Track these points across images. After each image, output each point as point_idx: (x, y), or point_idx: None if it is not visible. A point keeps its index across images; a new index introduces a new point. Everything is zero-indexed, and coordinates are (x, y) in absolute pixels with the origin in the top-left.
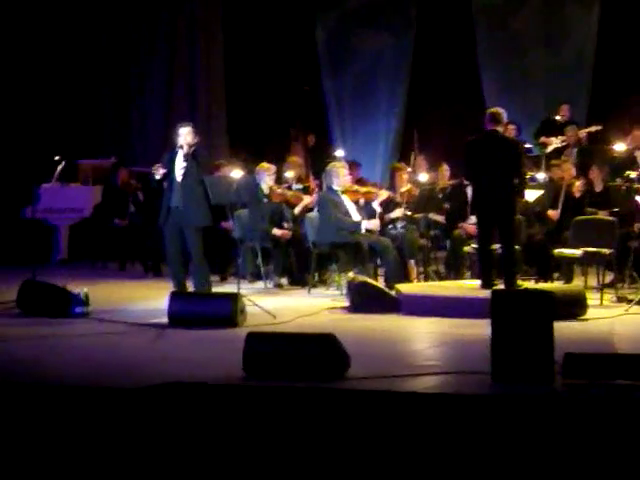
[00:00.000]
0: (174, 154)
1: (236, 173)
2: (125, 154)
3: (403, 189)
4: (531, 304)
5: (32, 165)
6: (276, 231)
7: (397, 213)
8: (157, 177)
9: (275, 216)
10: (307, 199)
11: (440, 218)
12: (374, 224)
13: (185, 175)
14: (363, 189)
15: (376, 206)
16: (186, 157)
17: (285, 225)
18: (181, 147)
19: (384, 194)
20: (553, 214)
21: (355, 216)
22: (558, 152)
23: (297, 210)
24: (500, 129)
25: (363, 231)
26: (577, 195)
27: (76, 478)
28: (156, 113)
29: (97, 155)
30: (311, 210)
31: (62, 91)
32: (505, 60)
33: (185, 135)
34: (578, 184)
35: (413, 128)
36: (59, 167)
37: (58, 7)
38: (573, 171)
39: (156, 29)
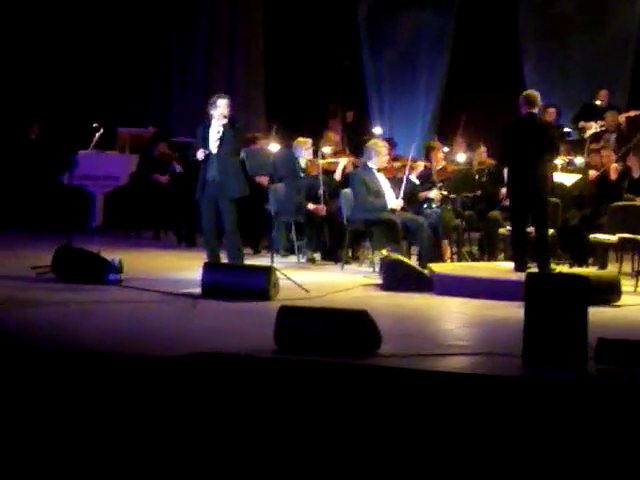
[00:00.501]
0: (207, 126)
1: (273, 147)
2: (164, 125)
3: (438, 167)
4: (566, 288)
5: (71, 132)
6: (310, 206)
7: (433, 194)
8: (200, 158)
9: (311, 191)
10: (344, 160)
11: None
12: (397, 204)
13: (221, 147)
14: (398, 163)
15: (414, 179)
16: (223, 128)
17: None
18: (217, 118)
19: (420, 165)
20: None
21: (389, 194)
22: (597, 137)
23: (337, 176)
24: (535, 111)
25: (387, 209)
26: (613, 178)
27: (105, 443)
28: (196, 85)
29: (136, 124)
30: (346, 185)
31: (103, 60)
32: (547, 43)
33: (223, 107)
34: (614, 166)
35: (453, 108)
36: (97, 134)
37: None
38: (612, 157)
39: (198, 3)
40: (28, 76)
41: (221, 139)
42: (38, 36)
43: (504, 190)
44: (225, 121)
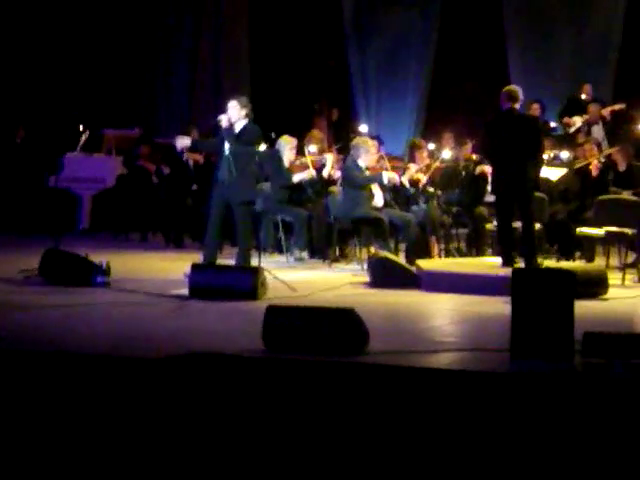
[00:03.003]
0: (228, 128)
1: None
2: (150, 125)
3: (422, 165)
4: (552, 282)
5: (57, 134)
6: (297, 176)
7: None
8: (224, 125)
9: (296, 191)
10: (330, 156)
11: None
12: (393, 176)
13: (229, 150)
14: (388, 164)
15: (404, 180)
16: (228, 132)
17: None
18: (231, 120)
19: (412, 169)
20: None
21: (378, 193)
22: (583, 131)
23: (325, 173)
24: (517, 106)
25: (385, 181)
26: (594, 174)
27: (95, 446)
28: (181, 84)
29: (122, 126)
30: (333, 183)
31: (88, 61)
32: (531, 38)
33: (229, 110)
34: (595, 163)
35: (439, 105)
36: (83, 136)
37: None
38: (595, 151)
39: (182, 2)
40: (13, 80)
41: (229, 143)
42: (22, 39)
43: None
44: (239, 122)
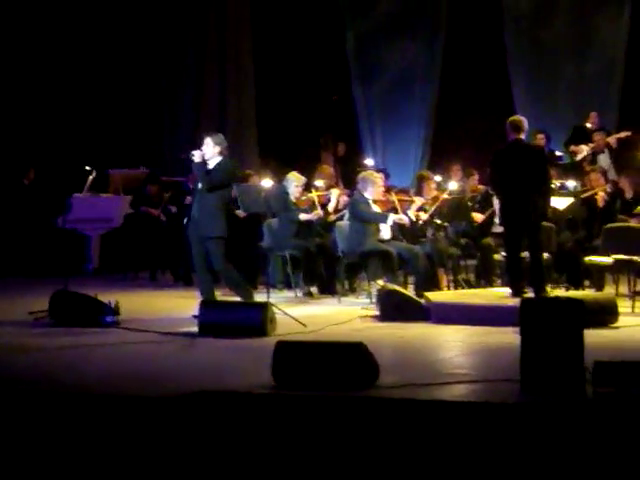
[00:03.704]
0: (204, 164)
1: (266, 182)
2: (156, 164)
3: (430, 197)
4: (561, 312)
5: (64, 175)
6: (303, 216)
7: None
8: (196, 159)
9: (303, 226)
10: (335, 191)
11: (479, 217)
12: (401, 218)
13: (201, 186)
14: (395, 198)
15: (411, 214)
16: (200, 168)
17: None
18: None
19: (418, 202)
20: (478, 217)
21: (384, 226)
22: (589, 160)
23: (331, 208)
24: (522, 137)
25: (390, 223)
26: (601, 205)
27: None
28: (187, 122)
29: (127, 165)
30: (341, 218)
31: (93, 102)
32: (535, 68)
33: (204, 147)
34: (601, 194)
35: (444, 136)
36: (90, 177)
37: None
38: (601, 180)
39: (186, 39)
40: (21, 122)
41: (201, 179)
42: (29, 82)
43: (479, 215)
44: (212, 160)
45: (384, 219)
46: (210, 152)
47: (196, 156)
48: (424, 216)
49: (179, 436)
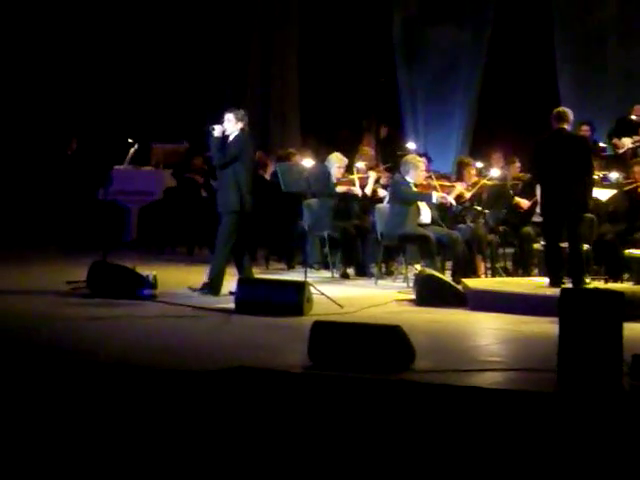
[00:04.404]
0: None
1: (307, 162)
2: (198, 140)
3: (470, 183)
4: (600, 303)
5: (107, 147)
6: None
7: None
8: (215, 134)
9: (342, 207)
10: (373, 174)
11: (525, 204)
12: (444, 196)
13: (214, 162)
14: (436, 183)
15: (452, 200)
16: (220, 143)
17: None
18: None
19: (459, 188)
20: (524, 203)
21: (424, 210)
22: (632, 152)
23: (368, 190)
24: (567, 127)
25: (434, 201)
26: None
27: (143, 456)
28: (230, 98)
29: (170, 139)
30: (380, 200)
31: (139, 75)
32: (582, 59)
33: (225, 122)
34: None
35: (487, 123)
36: (132, 150)
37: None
38: None
39: (232, 18)
40: (65, 93)
41: (214, 153)
42: (75, 55)
43: (525, 202)
44: (232, 135)
45: (429, 197)
46: (231, 128)
47: (216, 130)
48: (467, 194)
49: (213, 411)
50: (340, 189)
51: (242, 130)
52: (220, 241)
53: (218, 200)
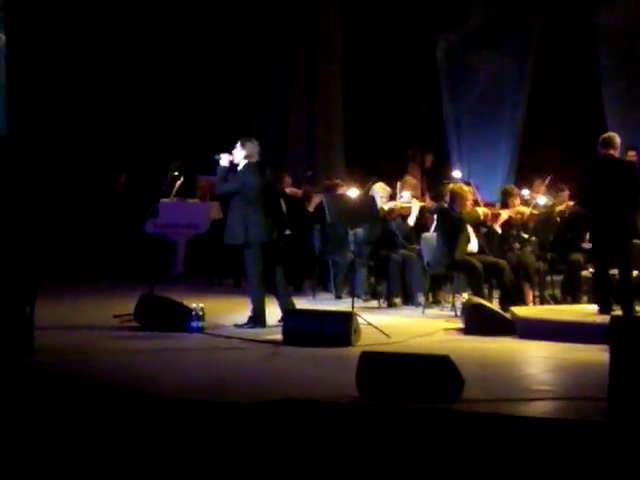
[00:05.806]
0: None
1: (353, 192)
2: None
3: (514, 212)
4: None
5: (153, 181)
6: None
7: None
8: (222, 163)
9: (387, 236)
10: (417, 204)
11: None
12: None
13: (215, 190)
14: (482, 211)
15: (497, 228)
16: (221, 173)
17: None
18: None
19: (504, 215)
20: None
21: (473, 239)
22: None
23: (411, 220)
24: (614, 153)
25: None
26: None
27: None
28: (274, 130)
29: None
30: (426, 228)
31: (183, 107)
32: (627, 84)
33: (235, 151)
34: None
35: (533, 151)
36: (178, 183)
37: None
38: None
39: (276, 47)
40: (116, 128)
41: (217, 181)
42: (124, 86)
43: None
44: (240, 164)
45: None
46: (237, 157)
47: (223, 159)
48: (505, 214)
49: (261, 443)
50: (387, 206)
51: (247, 158)
52: (247, 275)
53: (224, 232)
